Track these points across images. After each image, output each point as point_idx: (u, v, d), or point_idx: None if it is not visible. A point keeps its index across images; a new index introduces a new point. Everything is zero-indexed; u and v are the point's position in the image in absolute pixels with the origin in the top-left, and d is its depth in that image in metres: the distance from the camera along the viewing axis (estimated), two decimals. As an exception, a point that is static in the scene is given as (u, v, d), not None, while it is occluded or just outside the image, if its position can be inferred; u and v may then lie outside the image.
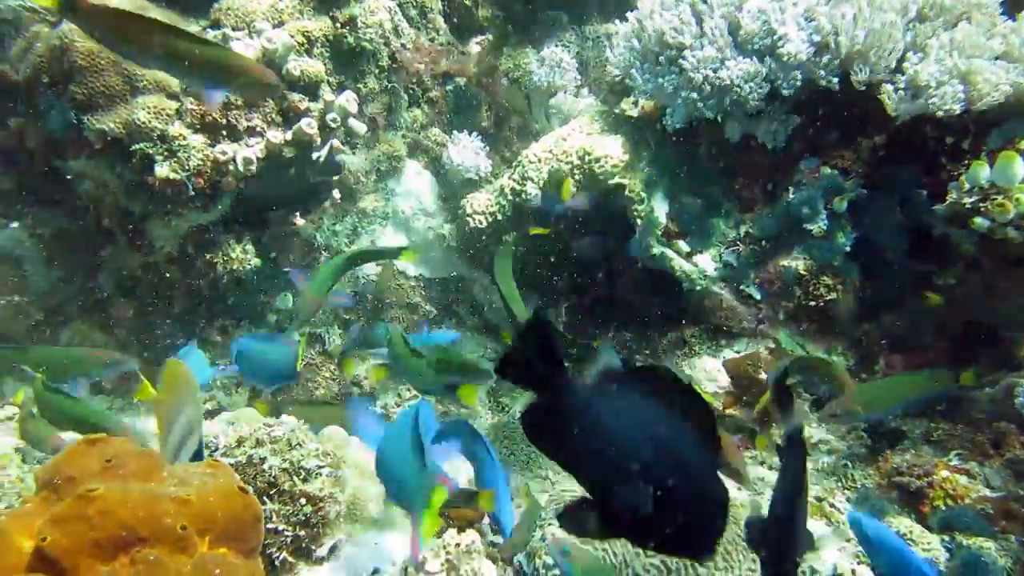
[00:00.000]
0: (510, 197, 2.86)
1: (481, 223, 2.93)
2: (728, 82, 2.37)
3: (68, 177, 2.55)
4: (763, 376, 2.44)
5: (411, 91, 3.12)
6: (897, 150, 2.39)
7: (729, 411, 2.47)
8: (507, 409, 2.98)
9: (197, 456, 1.58)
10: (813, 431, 2.49)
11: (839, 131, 2.46)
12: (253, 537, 1.45)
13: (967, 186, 2.16)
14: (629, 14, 2.66)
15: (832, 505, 2.22)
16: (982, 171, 2.12)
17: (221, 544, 1.39)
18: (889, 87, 2.26)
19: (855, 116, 2.42)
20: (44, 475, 1.44)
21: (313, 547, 1.97)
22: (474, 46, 3.42)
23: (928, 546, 1.99)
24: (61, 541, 1.27)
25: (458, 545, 1.72)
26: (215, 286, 2.64)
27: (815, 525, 2.14)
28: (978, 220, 2.11)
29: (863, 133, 2.42)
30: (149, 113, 2.32)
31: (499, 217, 2.90)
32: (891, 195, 2.39)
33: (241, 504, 1.44)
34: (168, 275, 2.62)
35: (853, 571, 1.94)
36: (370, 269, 3.05)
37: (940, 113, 2.18)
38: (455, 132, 3.17)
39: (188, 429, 1.60)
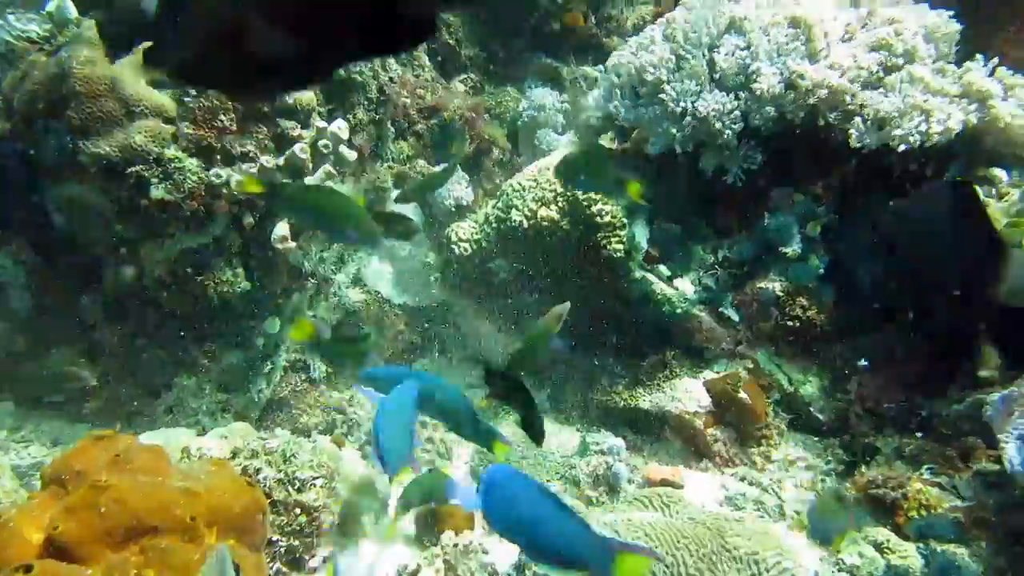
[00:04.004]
0: (495, 224, 2.94)
1: (466, 250, 3.00)
2: (704, 114, 2.50)
3: (57, 203, 2.57)
4: (743, 395, 2.51)
5: (398, 124, 3.21)
6: (865, 178, 2.52)
7: (710, 429, 2.54)
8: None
9: None
10: (790, 450, 2.56)
11: (810, 161, 2.59)
12: (259, 530, 1.48)
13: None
14: (613, 54, 2.82)
15: (812, 517, 2.28)
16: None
17: (229, 536, 1.42)
18: (857, 119, 2.40)
19: (825, 147, 2.55)
20: (51, 472, 1.46)
21: (306, 557, 1.98)
22: (458, 84, 3.56)
23: (904, 554, 2.06)
24: (72, 530, 1.29)
25: (456, 546, 1.75)
26: (203, 309, 2.66)
27: (795, 537, 2.20)
28: (943, 241, 2.23)
29: (833, 162, 2.56)
30: (145, 136, 2.37)
31: (484, 244, 2.97)
32: (861, 220, 2.52)
33: (249, 497, 1.47)
34: (157, 299, 2.63)
35: (833, 576, 2.00)
36: (356, 296, 3.09)
37: (902, 147, 2.33)
38: (439, 164, 3.26)
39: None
